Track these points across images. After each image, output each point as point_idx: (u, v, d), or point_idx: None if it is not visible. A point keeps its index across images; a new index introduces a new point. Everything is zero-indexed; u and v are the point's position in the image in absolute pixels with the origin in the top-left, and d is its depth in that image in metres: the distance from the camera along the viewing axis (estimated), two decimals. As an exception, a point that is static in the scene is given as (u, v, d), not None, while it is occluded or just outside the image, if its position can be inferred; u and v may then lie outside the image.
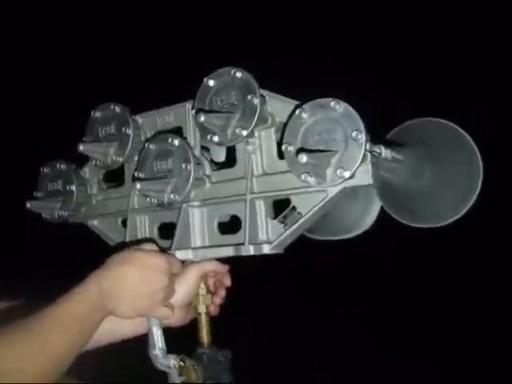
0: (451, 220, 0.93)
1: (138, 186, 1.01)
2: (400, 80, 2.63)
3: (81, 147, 1.11)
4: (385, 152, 0.92)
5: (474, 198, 0.92)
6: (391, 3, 2.67)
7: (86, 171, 1.25)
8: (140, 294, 0.97)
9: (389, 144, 0.94)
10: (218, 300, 1.11)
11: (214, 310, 1.11)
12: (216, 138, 0.98)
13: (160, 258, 1.00)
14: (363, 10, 2.70)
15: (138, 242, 1.08)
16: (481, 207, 0.92)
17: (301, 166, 0.88)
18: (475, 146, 0.92)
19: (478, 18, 2.60)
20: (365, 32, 2.67)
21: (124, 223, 1.18)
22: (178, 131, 1.11)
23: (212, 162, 1.10)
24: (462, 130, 0.93)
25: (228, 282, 1.13)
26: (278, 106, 0.98)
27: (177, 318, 1.05)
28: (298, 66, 2.58)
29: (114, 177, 1.24)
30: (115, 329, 1.02)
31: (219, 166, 1.11)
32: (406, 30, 2.66)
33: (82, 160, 1.24)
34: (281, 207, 1.02)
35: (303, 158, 0.84)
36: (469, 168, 0.92)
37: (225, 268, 1.11)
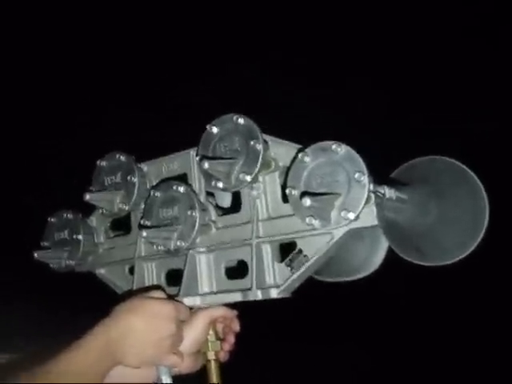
0: (458, 258, 0.92)
1: (145, 233, 1.02)
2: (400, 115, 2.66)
3: (87, 196, 1.12)
4: (389, 192, 0.92)
5: (481, 234, 0.91)
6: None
7: (93, 220, 1.26)
8: (147, 343, 0.97)
9: (393, 183, 0.94)
10: (228, 346, 1.10)
11: (223, 357, 1.09)
12: (220, 184, 0.99)
13: (167, 306, 1.00)
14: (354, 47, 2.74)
15: (146, 289, 1.07)
16: (488, 243, 0.92)
17: (305, 209, 0.88)
18: (479, 182, 0.92)
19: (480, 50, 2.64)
20: (363, 68, 2.71)
21: (131, 271, 1.19)
22: (182, 178, 1.13)
23: (217, 207, 1.11)
24: (465, 167, 0.93)
25: (237, 327, 1.12)
26: (281, 151, 1.00)
27: (186, 366, 1.04)
28: (296, 104, 2.62)
29: (121, 225, 1.25)
30: (123, 377, 1.01)
31: (224, 211, 1.11)
32: (406, 67, 2.70)
33: (89, 209, 1.25)
34: (287, 250, 1.03)
35: (307, 201, 0.84)
36: (474, 204, 0.92)
37: (233, 314, 1.11)
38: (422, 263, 0.95)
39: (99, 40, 2.75)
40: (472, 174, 0.92)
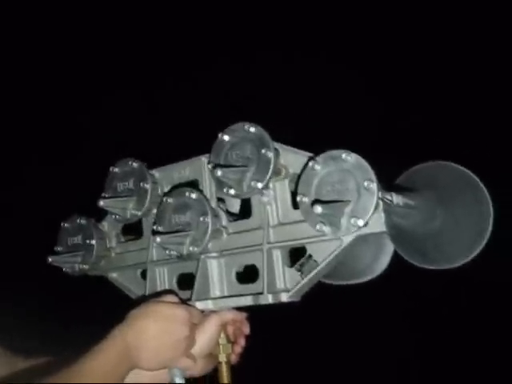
0: (462, 262, 0.95)
1: (159, 239, 1.05)
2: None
3: (101, 203, 1.14)
4: (396, 199, 0.95)
5: (485, 240, 0.94)
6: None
7: (105, 225, 1.28)
8: (163, 346, 0.99)
9: (400, 190, 0.97)
10: (238, 349, 1.13)
11: (234, 359, 1.12)
12: (233, 191, 1.01)
13: (180, 310, 1.02)
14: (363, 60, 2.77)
15: (159, 293, 1.10)
16: (492, 249, 0.94)
17: (316, 216, 0.91)
18: (485, 189, 0.94)
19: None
20: (371, 77, 2.74)
21: (143, 275, 1.21)
22: (193, 184, 1.15)
23: (228, 212, 1.14)
24: (471, 173, 0.95)
25: (247, 330, 1.14)
26: (291, 158, 1.02)
27: (198, 368, 1.07)
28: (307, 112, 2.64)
29: (131, 229, 1.28)
30: (138, 379, 1.04)
31: (234, 216, 1.14)
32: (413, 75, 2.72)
33: (98, 213, 1.27)
34: (296, 254, 1.05)
35: (318, 209, 0.87)
36: (479, 210, 0.94)
37: (243, 316, 1.13)
38: (426, 267, 0.98)
39: (112, 44, 2.78)
40: (477, 180, 0.95)
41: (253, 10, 2.82)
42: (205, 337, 1.06)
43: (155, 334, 0.99)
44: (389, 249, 1.14)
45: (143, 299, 1.07)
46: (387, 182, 0.97)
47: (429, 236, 1.00)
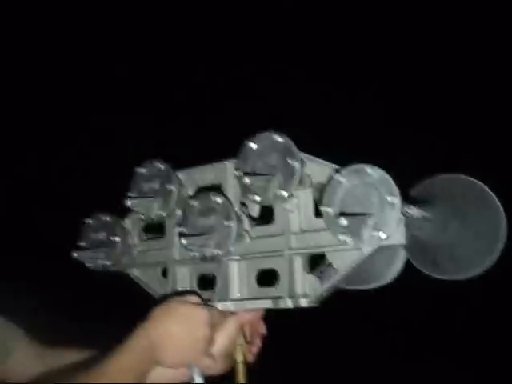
0: (474, 274, 0.98)
1: (185, 241, 1.08)
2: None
3: (129, 203, 1.18)
4: (416, 212, 0.99)
5: (498, 253, 0.97)
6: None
7: (128, 222, 1.32)
8: (184, 345, 1.03)
9: (416, 202, 1.00)
10: (255, 349, 1.17)
11: (250, 359, 1.16)
12: (258, 198, 1.05)
13: (202, 310, 1.06)
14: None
15: (182, 293, 1.14)
16: (505, 261, 0.98)
17: (339, 227, 0.94)
18: (499, 204, 0.97)
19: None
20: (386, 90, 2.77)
21: (164, 273, 1.25)
22: (216, 188, 1.19)
23: (250, 217, 1.17)
24: (486, 188, 0.98)
25: (263, 330, 1.18)
26: (316, 169, 1.05)
27: (217, 367, 1.10)
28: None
29: (152, 227, 1.31)
30: (159, 377, 1.07)
31: (255, 220, 1.18)
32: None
33: (119, 211, 1.31)
34: (314, 261, 1.09)
35: (344, 221, 0.91)
36: (493, 223, 0.97)
37: (260, 315, 1.17)
38: (437, 277, 1.02)
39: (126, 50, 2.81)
40: (492, 194, 0.98)
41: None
42: (224, 337, 1.10)
43: (178, 333, 1.02)
44: (401, 256, 1.17)
45: (165, 298, 1.11)
46: (404, 193, 1.01)
47: (442, 247, 1.03)
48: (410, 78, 2.74)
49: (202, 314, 1.06)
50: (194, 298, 1.09)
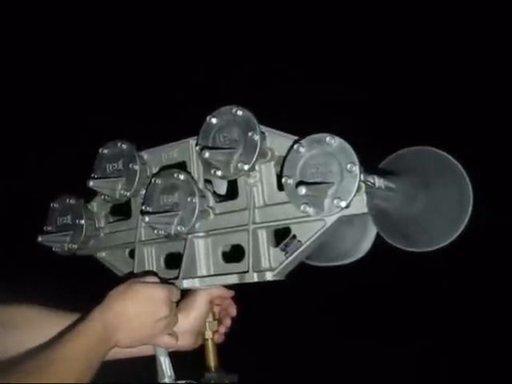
0: (443, 244, 0.98)
1: (147, 219, 1.07)
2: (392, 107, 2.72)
3: (91, 183, 1.16)
4: (378, 182, 0.98)
5: (465, 222, 0.97)
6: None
7: (94, 205, 1.30)
8: (141, 325, 1.02)
9: (382, 173, 1.00)
10: (224, 329, 1.16)
11: (218, 338, 1.15)
12: (220, 173, 1.04)
13: (159, 289, 1.04)
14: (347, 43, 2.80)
15: (142, 274, 1.13)
16: (472, 231, 0.98)
17: (300, 197, 0.94)
18: (465, 173, 0.98)
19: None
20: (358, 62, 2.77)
21: (131, 254, 1.24)
22: (181, 166, 1.18)
23: (214, 193, 1.16)
24: (451, 158, 0.98)
25: (233, 311, 1.18)
26: (277, 141, 1.05)
27: (186, 343, 1.10)
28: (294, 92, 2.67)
29: (119, 209, 1.30)
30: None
31: (221, 197, 1.17)
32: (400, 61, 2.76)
33: (87, 194, 1.29)
34: (280, 234, 1.08)
35: (302, 190, 0.90)
36: (459, 194, 0.98)
37: (230, 293, 1.16)
38: (408, 249, 1.02)
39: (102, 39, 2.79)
40: (458, 164, 0.98)
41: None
42: (194, 312, 1.10)
43: (134, 314, 1.00)
44: (372, 231, 1.17)
45: (127, 278, 1.09)
46: (372, 167, 1.00)
47: (410, 219, 1.03)
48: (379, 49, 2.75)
49: (159, 293, 1.03)
50: (152, 278, 1.08)
